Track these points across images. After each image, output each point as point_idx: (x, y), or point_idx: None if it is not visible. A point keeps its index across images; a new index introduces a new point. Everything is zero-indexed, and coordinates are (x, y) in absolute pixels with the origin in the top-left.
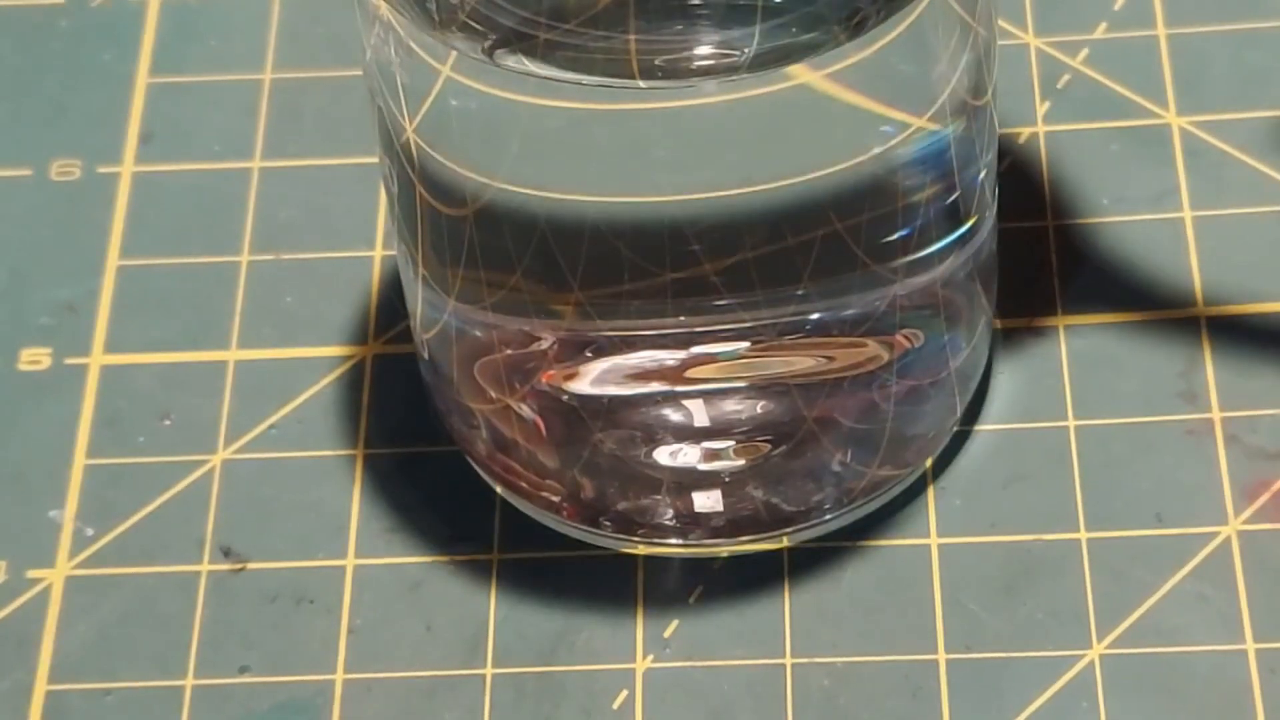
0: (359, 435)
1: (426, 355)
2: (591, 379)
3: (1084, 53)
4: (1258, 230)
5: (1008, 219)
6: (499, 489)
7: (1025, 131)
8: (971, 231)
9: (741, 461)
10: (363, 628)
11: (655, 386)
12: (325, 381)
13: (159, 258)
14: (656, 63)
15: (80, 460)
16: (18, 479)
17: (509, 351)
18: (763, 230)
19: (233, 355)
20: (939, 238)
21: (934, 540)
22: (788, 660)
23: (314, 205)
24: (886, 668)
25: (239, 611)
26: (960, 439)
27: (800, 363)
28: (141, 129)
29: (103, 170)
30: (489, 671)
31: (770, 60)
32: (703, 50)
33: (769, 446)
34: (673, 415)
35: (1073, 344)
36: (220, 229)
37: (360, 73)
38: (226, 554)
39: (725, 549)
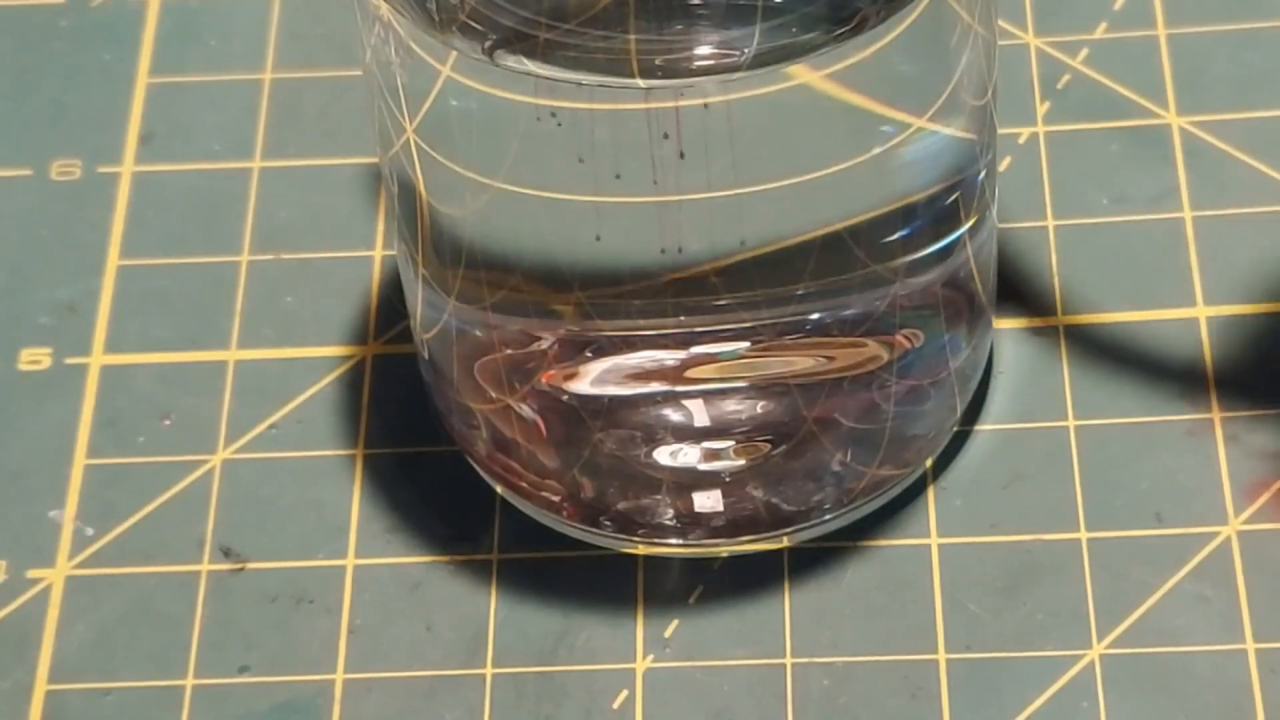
0: (359, 435)
1: (426, 355)
2: (591, 379)
3: (1084, 53)
4: (1258, 230)
5: (1008, 219)
6: (499, 489)
7: (1025, 131)
8: (971, 231)
9: (741, 461)
10: (363, 628)
11: (655, 386)
12: (325, 381)
13: (159, 258)
14: (656, 63)
15: (80, 460)
16: (18, 479)
17: (509, 351)
18: (763, 230)
19: (233, 355)
20: (939, 238)
21: (934, 540)
22: (788, 660)
23: (314, 205)
24: (886, 668)
25: (239, 611)
26: (960, 439)
27: (800, 363)
28: (141, 129)
29: (103, 170)
30: (489, 671)
31: (770, 60)
32: (703, 50)
33: (769, 446)
34: (673, 415)
35: (1073, 344)
36: (220, 229)
37: (360, 73)
38: (226, 554)
39: (725, 549)
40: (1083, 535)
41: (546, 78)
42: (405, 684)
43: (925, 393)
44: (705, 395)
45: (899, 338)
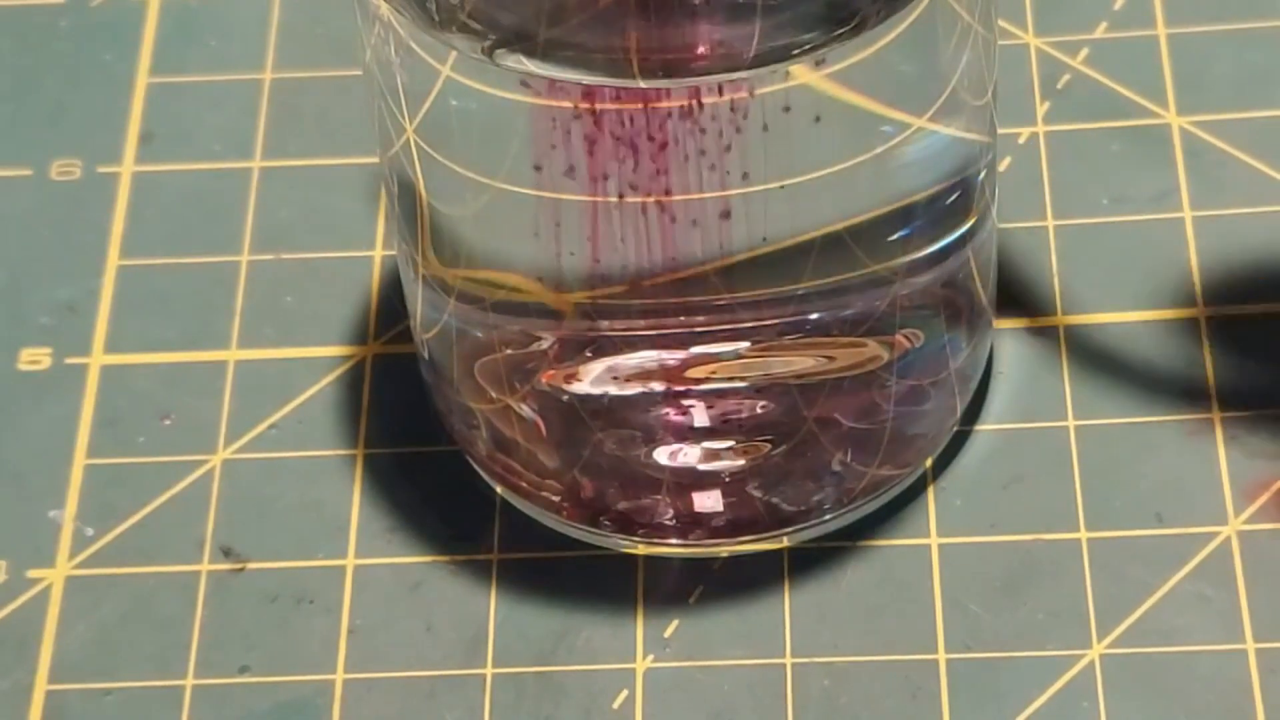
0: (359, 435)
1: (426, 355)
2: (591, 379)
3: (1084, 53)
4: (1258, 230)
5: (1008, 219)
6: (499, 489)
7: (1025, 131)
8: (971, 231)
9: (741, 461)
10: (363, 628)
11: (655, 386)
12: (325, 381)
13: (159, 258)
14: (656, 63)
15: (80, 460)
16: (18, 479)
17: (509, 351)
18: (763, 230)
19: (233, 355)
20: (939, 238)
21: (934, 540)
22: (788, 660)
23: (314, 205)
24: (886, 668)
25: (239, 611)
26: (960, 439)
27: (800, 363)
28: (141, 129)
29: (103, 170)
30: (489, 671)
31: (770, 60)
32: (703, 50)
33: (769, 446)
34: (673, 415)
35: (1073, 344)
36: (220, 229)
37: (360, 73)
38: (226, 554)
39: (725, 549)
40: (1083, 535)
41: (546, 78)
42: (405, 684)
43: (925, 393)
44: (705, 395)
45: (899, 338)
